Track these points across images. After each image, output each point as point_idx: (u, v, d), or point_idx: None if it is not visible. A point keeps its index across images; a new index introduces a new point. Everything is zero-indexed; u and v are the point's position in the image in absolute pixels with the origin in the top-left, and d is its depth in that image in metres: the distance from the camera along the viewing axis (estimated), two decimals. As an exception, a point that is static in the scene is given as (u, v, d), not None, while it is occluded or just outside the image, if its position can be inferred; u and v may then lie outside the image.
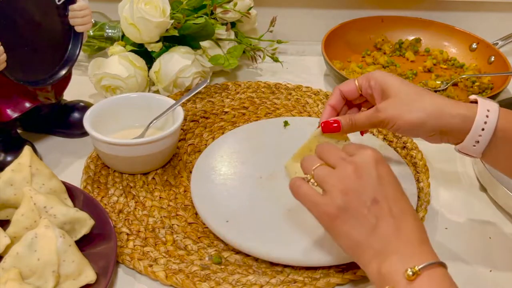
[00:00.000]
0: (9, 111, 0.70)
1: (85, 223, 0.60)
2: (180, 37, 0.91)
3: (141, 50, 0.91)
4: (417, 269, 0.44)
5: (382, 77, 0.59)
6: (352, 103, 0.64)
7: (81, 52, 0.77)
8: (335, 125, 0.60)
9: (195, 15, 0.91)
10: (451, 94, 0.89)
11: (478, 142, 0.55)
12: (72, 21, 0.74)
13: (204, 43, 0.94)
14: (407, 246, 0.47)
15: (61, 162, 0.76)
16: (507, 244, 0.65)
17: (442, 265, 0.46)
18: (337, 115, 0.63)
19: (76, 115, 0.80)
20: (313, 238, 0.61)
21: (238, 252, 0.62)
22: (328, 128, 0.60)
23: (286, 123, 0.80)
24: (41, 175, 0.62)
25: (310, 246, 0.60)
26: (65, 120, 0.80)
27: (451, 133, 0.57)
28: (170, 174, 0.73)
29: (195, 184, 0.68)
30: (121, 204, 0.68)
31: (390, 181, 0.50)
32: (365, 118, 0.59)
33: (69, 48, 0.75)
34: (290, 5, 1.11)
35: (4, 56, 0.63)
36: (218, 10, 0.93)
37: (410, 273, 0.44)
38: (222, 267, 0.60)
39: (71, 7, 0.73)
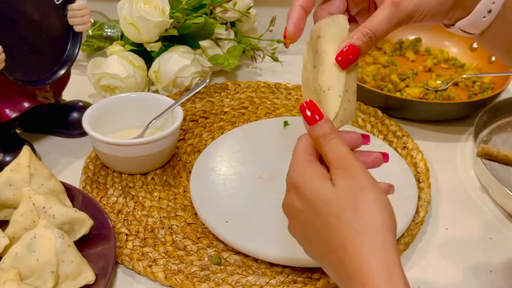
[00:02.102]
0: (7, 111, 0.70)
1: (84, 224, 0.59)
2: (179, 36, 0.91)
3: (140, 50, 0.90)
4: None
5: None
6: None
7: (80, 52, 0.77)
8: (354, 52, 0.45)
9: (195, 15, 0.91)
10: (452, 93, 0.89)
11: (490, 11, 0.47)
12: (71, 21, 0.74)
13: (204, 43, 0.94)
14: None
15: (60, 162, 0.76)
16: (507, 244, 0.65)
17: None
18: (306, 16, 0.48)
19: (75, 115, 0.80)
20: (313, 239, 0.61)
21: (237, 252, 0.61)
22: (347, 61, 0.45)
23: (286, 123, 0.80)
24: (40, 175, 0.62)
25: (310, 246, 0.60)
26: (64, 120, 0.80)
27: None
28: (169, 174, 0.73)
29: (195, 184, 0.68)
30: (120, 205, 0.68)
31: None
32: (386, 22, 0.45)
33: (68, 48, 0.75)
34: (290, 5, 1.10)
35: (3, 55, 0.63)
36: (218, 9, 0.93)
37: None
38: (222, 267, 0.60)
39: (70, 6, 0.73)
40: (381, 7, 0.45)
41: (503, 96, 0.87)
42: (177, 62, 0.88)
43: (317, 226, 0.42)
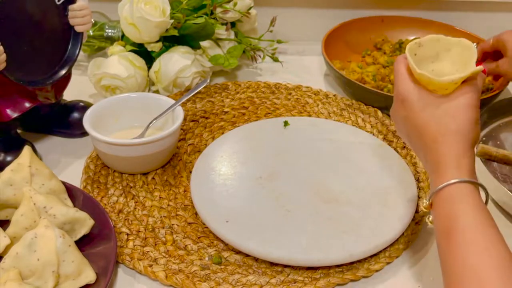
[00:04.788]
0: (8, 111, 0.70)
1: (85, 223, 0.60)
2: (180, 37, 0.91)
3: (141, 50, 0.90)
4: (428, 201, 0.53)
5: (506, 39, 0.76)
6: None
7: (81, 52, 0.77)
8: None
9: (195, 15, 0.91)
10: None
11: None
12: (71, 21, 0.74)
13: (204, 43, 0.94)
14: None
15: (61, 162, 0.76)
16: (507, 244, 0.65)
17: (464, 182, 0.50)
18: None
19: (76, 115, 0.80)
20: (313, 238, 0.61)
21: (238, 252, 0.62)
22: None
23: (286, 123, 0.80)
24: (41, 175, 0.62)
25: (310, 246, 0.60)
26: (64, 120, 0.80)
27: None
28: (170, 174, 0.73)
29: (195, 184, 0.68)
30: (121, 204, 0.68)
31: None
32: (489, 41, 0.79)
33: (69, 48, 0.75)
34: (290, 5, 1.11)
35: (3, 56, 0.63)
36: (218, 10, 0.93)
37: (426, 204, 0.54)
38: (222, 267, 0.60)
39: (70, 7, 0.73)
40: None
41: (503, 96, 0.88)
42: (178, 62, 0.88)
43: (415, 130, 0.56)
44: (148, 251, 0.62)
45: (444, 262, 0.49)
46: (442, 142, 0.53)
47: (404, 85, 0.56)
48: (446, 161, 0.52)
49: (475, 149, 0.70)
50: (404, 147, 0.79)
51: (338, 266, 0.60)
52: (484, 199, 0.52)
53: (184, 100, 0.77)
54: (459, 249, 0.47)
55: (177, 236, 0.64)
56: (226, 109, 0.87)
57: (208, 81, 0.83)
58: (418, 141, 0.56)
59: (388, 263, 0.61)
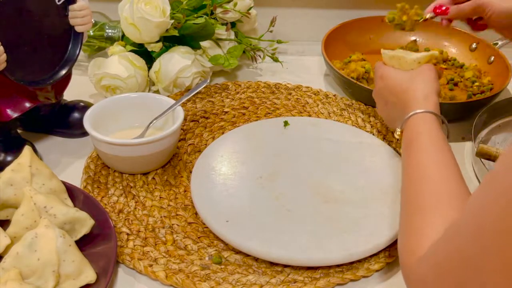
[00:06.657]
0: (9, 111, 0.70)
1: (85, 223, 0.60)
2: (180, 37, 0.91)
3: (141, 50, 0.91)
4: (400, 130, 0.66)
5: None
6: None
7: (81, 52, 0.77)
8: (444, 8, 0.79)
9: (195, 15, 0.91)
10: (452, 94, 0.89)
11: None
12: (72, 21, 0.74)
13: (204, 43, 0.94)
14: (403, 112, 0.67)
15: (61, 162, 0.76)
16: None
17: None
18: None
19: (76, 115, 0.80)
20: (313, 238, 0.61)
21: (238, 252, 0.62)
22: (440, 11, 0.80)
23: (286, 123, 0.81)
24: (41, 175, 0.62)
25: (310, 245, 0.60)
26: (65, 120, 0.80)
27: None
28: (170, 174, 0.74)
29: (195, 184, 0.68)
30: (121, 204, 0.68)
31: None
32: (468, 5, 0.77)
33: (69, 48, 0.75)
34: (290, 5, 1.11)
35: (4, 56, 0.63)
36: (218, 10, 0.93)
37: (398, 132, 0.66)
38: (222, 267, 0.60)
39: (71, 7, 0.73)
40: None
41: (502, 96, 0.88)
42: (178, 63, 0.88)
43: (391, 91, 0.70)
44: (148, 251, 0.62)
45: (403, 168, 0.60)
46: (412, 89, 0.67)
47: (382, 67, 0.73)
48: (415, 99, 0.65)
49: (475, 149, 0.71)
50: (404, 147, 0.80)
51: (338, 266, 0.60)
52: (446, 133, 0.63)
53: (184, 100, 0.77)
54: (414, 152, 0.59)
55: (177, 236, 0.64)
56: (226, 109, 0.87)
57: (208, 81, 0.83)
58: (395, 99, 0.69)
59: (388, 263, 0.61)
